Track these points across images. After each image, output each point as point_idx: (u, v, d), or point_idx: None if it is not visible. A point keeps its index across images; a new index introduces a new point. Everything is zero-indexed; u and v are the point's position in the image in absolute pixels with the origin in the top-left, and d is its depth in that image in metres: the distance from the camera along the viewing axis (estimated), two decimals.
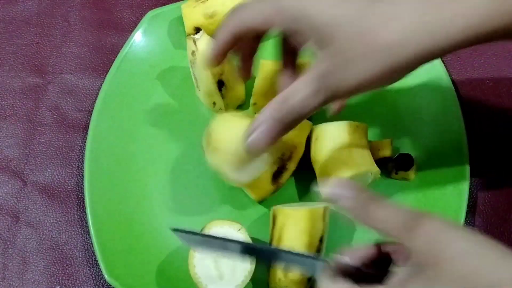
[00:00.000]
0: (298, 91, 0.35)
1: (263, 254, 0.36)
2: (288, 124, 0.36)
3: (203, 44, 0.48)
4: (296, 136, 0.47)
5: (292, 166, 0.47)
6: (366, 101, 0.52)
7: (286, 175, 0.47)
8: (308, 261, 0.35)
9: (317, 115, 0.46)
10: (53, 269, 0.47)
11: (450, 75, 0.53)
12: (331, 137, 0.46)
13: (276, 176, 0.47)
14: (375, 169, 0.46)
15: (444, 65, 0.53)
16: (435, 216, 0.30)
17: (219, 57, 0.41)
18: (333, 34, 0.33)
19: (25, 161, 0.51)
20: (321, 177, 0.46)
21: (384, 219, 0.32)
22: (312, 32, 0.35)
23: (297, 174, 0.50)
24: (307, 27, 0.35)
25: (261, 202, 0.48)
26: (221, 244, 0.37)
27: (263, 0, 0.37)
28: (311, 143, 0.48)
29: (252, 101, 0.50)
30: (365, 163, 0.45)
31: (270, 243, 0.44)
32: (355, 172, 0.44)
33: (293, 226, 0.43)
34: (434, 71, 0.53)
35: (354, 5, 0.33)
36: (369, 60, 0.33)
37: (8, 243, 0.48)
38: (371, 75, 0.33)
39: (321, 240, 0.43)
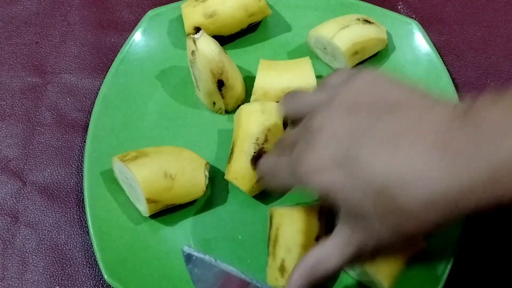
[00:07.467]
0: (331, 258, 0.36)
1: None
2: (318, 284, 0.37)
3: (203, 44, 0.48)
4: (265, 119, 0.46)
5: (271, 147, 0.46)
6: None
7: None
8: None
9: None
10: (53, 270, 0.47)
11: (450, 75, 0.53)
12: None
13: (257, 161, 0.46)
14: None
15: (445, 65, 0.53)
16: None
17: None
18: (363, 215, 0.34)
19: (25, 161, 0.51)
20: None
21: None
22: (339, 207, 0.36)
23: None
24: (335, 203, 0.35)
25: (256, 196, 0.48)
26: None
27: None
28: None
29: (252, 100, 0.50)
30: None
31: (268, 244, 0.44)
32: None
33: (288, 226, 0.43)
34: (434, 71, 0.53)
35: (380, 199, 0.33)
36: (399, 235, 0.34)
37: (7, 243, 0.48)
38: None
39: (317, 239, 0.43)
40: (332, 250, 0.36)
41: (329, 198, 0.35)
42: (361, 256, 0.36)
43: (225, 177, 0.47)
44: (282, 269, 0.42)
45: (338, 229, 0.36)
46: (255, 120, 0.47)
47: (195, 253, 0.37)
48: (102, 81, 0.52)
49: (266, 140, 0.46)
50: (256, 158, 0.46)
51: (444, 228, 0.33)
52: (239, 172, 0.46)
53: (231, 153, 0.47)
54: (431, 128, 0.32)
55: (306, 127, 0.36)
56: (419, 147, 0.32)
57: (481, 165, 0.30)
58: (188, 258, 0.37)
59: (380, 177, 0.32)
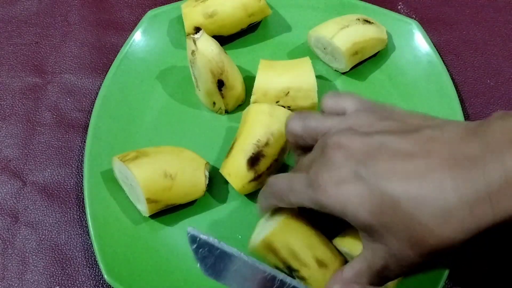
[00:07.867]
0: (362, 277, 0.37)
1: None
2: None
3: (203, 44, 0.48)
4: (272, 123, 0.46)
5: (270, 152, 0.46)
6: None
7: (265, 162, 0.46)
8: None
9: None
10: (53, 270, 0.47)
11: (450, 75, 0.53)
12: None
13: (253, 162, 0.46)
14: None
15: (445, 65, 0.53)
16: None
17: None
18: (380, 235, 0.34)
19: (25, 161, 0.51)
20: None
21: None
22: (358, 227, 0.36)
23: None
24: (349, 220, 0.35)
25: (247, 194, 0.48)
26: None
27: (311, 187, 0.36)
28: None
29: (252, 100, 0.50)
30: None
31: (290, 272, 0.42)
32: None
33: (294, 236, 0.41)
34: (434, 71, 0.53)
35: (397, 213, 0.33)
36: (419, 252, 0.33)
37: (8, 243, 0.48)
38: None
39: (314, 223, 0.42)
40: (359, 271, 0.37)
41: (345, 214, 0.35)
42: (387, 278, 0.36)
43: (220, 170, 0.47)
44: (321, 264, 0.41)
45: (361, 253, 0.37)
46: (261, 121, 0.46)
47: (200, 235, 0.37)
48: (102, 81, 0.52)
49: (267, 143, 0.46)
50: (253, 160, 0.46)
51: (464, 245, 0.33)
52: (233, 169, 0.46)
53: (231, 148, 0.47)
54: (445, 142, 0.33)
55: (324, 145, 0.37)
56: (432, 161, 0.32)
57: (494, 173, 0.30)
58: (193, 239, 0.37)
59: (395, 192, 0.33)
